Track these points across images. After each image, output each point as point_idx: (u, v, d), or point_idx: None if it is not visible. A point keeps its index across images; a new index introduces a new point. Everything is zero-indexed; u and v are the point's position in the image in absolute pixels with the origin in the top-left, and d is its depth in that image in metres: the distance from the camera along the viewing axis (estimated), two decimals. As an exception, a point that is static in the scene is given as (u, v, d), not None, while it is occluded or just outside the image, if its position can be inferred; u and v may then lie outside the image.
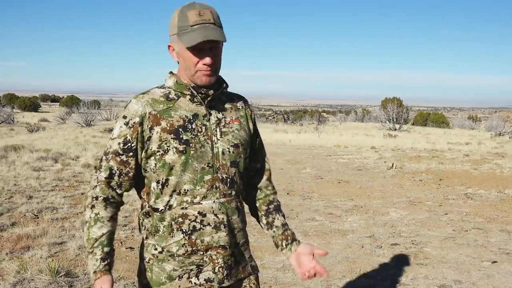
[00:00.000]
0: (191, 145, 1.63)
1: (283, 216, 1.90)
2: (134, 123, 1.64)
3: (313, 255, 1.84)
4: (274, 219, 1.87)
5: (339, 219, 6.61)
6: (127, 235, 5.43)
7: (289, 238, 1.86)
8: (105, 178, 1.66)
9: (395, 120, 37.57)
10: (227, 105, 1.77)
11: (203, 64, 1.61)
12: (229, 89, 1.81)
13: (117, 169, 1.66)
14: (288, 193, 8.50)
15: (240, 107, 1.81)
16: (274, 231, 1.87)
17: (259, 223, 1.92)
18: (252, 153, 1.86)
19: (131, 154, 1.66)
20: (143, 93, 1.71)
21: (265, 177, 1.91)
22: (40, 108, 58.02)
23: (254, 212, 1.92)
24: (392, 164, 12.43)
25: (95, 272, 1.61)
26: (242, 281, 1.80)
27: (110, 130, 22.78)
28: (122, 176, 1.67)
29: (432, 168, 12.32)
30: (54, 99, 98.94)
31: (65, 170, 9.89)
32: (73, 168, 10.19)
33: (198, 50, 1.60)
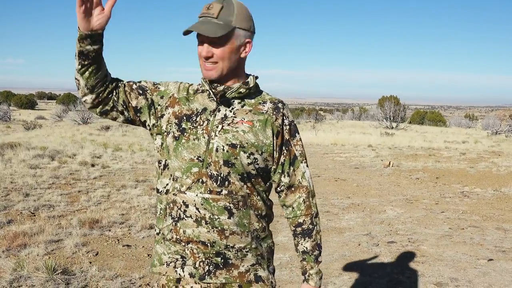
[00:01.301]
0: (185, 134, 1.67)
1: (310, 241, 1.78)
2: (158, 86, 1.75)
3: None
4: (298, 243, 1.81)
5: (336, 217, 6.62)
6: (124, 232, 5.43)
7: (302, 269, 1.84)
8: (122, 84, 1.71)
9: (392, 118, 37.61)
10: (246, 106, 1.72)
11: (202, 56, 1.66)
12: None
13: (136, 83, 1.73)
14: (285, 191, 8.52)
15: (264, 112, 1.72)
16: (298, 255, 1.84)
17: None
18: (278, 165, 1.76)
19: (133, 90, 1.72)
20: (187, 82, 1.80)
21: (298, 195, 1.78)
22: (36, 106, 57.84)
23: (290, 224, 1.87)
24: (389, 162, 12.45)
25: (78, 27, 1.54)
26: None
27: (107, 128, 22.73)
28: (131, 87, 1.71)
29: (429, 166, 12.35)
30: (51, 97, 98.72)
31: (61, 168, 9.88)
32: (69, 166, 10.17)
33: (201, 42, 1.66)
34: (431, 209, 7.23)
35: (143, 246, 4.96)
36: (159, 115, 1.72)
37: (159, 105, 1.72)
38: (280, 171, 1.76)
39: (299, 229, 1.79)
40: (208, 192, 1.64)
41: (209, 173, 1.65)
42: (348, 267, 4.53)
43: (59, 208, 6.50)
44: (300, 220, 1.78)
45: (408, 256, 4.89)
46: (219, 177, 1.65)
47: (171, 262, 1.72)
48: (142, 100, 1.71)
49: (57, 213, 6.22)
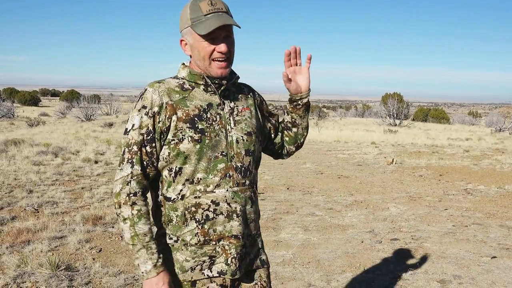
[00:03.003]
0: (206, 134, 1.65)
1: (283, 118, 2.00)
2: (154, 112, 1.64)
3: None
4: (287, 121, 1.95)
5: (339, 214, 6.62)
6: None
7: (291, 105, 1.90)
8: (141, 171, 1.64)
9: (395, 115, 37.52)
10: (237, 95, 1.80)
11: (218, 52, 1.64)
12: None
13: (145, 161, 1.65)
14: (288, 188, 8.51)
15: (249, 96, 1.86)
16: (295, 118, 1.92)
17: (302, 138, 1.98)
18: (276, 130, 1.96)
19: (153, 144, 1.65)
20: (159, 82, 1.70)
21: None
22: (40, 103, 57.91)
23: (294, 141, 1.97)
24: (392, 160, 12.43)
25: (155, 265, 1.61)
26: (251, 274, 1.80)
27: (110, 124, 22.74)
28: (149, 167, 1.67)
29: (432, 163, 12.31)
30: (54, 94, 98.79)
31: (65, 165, 9.90)
32: (73, 163, 10.19)
33: (213, 38, 1.63)
34: (435, 206, 7.22)
35: (146, 243, 4.97)
36: (164, 129, 1.64)
37: (159, 121, 1.64)
38: (279, 132, 1.97)
39: (282, 124, 1.98)
40: (236, 185, 1.69)
41: (234, 166, 1.69)
42: (351, 264, 4.52)
43: (62, 204, 6.52)
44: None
45: (411, 253, 4.88)
46: (243, 168, 1.71)
47: (197, 266, 1.68)
48: (157, 148, 1.67)
49: (61, 209, 6.24)
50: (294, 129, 1.94)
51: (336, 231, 5.72)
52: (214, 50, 1.64)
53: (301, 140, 1.97)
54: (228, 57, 1.67)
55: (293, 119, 1.92)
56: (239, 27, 1.64)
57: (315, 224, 5.98)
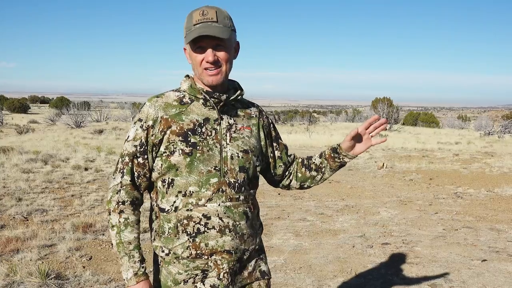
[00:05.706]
0: (198, 147, 1.66)
1: (314, 155, 1.96)
2: (148, 126, 1.69)
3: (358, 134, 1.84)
4: (314, 161, 1.92)
5: (330, 219, 6.63)
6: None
7: (332, 154, 1.88)
8: (130, 181, 1.69)
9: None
10: (240, 112, 1.79)
11: (206, 62, 1.65)
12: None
13: (136, 171, 1.70)
14: (279, 194, 8.51)
15: (254, 116, 1.84)
16: (324, 166, 1.91)
17: (312, 184, 1.95)
18: (277, 160, 1.92)
19: (146, 156, 1.70)
20: (157, 96, 1.74)
21: (291, 156, 1.98)
22: (29, 110, 57.48)
23: (304, 181, 1.95)
24: (383, 164, 12.48)
25: (136, 274, 1.64)
26: (250, 286, 1.80)
27: (100, 131, 22.63)
28: (141, 178, 1.71)
29: (422, 167, 12.39)
30: (44, 101, 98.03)
31: (55, 172, 9.82)
32: (63, 170, 10.12)
33: (202, 48, 1.65)
34: (425, 210, 7.26)
35: (137, 250, 4.94)
36: (156, 142, 1.68)
37: (152, 135, 1.68)
38: (281, 164, 1.93)
39: (305, 161, 1.95)
40: (229, 200, 1.68)
41: (227, 181, 1.68)
42: (343, 269, 4.53)
43: (52, 212, 6.47)
44: (299, 160, 1.97)
45: (402, 257, 4.90)
46: (237, 184, 1.70)
47: (189, 279, 1.68)
48: (150, 160, 1.71)
49: (50, 217, 6.18)
50: (314, 173, 1.92)
51: (327, 236, 5.72)
52: (203, 60, 1.66)
53: (310, 185, 1.96)
54: (220, 66, 1.66)
55: (322, 165, 1.90)
56: (224, 38, 1.62)
57: (306, 229, 5.99)
